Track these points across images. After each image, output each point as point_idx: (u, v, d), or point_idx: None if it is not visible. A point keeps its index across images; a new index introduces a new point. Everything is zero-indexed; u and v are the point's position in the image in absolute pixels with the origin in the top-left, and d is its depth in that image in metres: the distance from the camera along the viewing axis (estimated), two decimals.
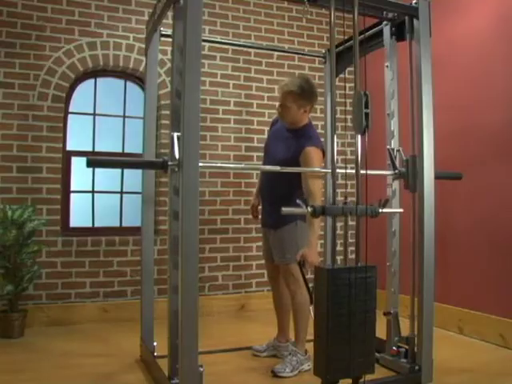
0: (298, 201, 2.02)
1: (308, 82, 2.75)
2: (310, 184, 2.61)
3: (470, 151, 3.42)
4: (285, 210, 2.05)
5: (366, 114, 1.91)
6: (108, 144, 4.00)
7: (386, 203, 2.04)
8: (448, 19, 3.58)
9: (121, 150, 4.04)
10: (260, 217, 3.01)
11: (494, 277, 3.23)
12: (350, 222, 2.01)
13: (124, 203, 4.04)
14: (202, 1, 2.08)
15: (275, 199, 2.77)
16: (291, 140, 2.75)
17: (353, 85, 2.07)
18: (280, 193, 2.77)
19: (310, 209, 1.97)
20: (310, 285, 2.39)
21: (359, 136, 2.01)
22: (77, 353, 2.97)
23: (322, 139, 3.32)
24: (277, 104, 2.81)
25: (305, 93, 2.69)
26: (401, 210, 2.67)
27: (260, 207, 3.02)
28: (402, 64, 2.74)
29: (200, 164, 2.05)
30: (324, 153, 2.81)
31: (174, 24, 2.26)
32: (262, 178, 3.01)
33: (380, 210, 1.99)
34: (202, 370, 2.03)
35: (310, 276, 2.93)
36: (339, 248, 2.16)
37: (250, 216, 3.16)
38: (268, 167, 2.83)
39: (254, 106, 4.29)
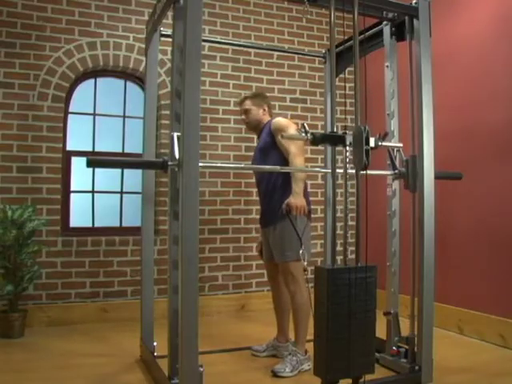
0: (294, 131, 2.07)
1: (257, 90, 3.30)
2: (291, 146, 2.72)
3: (470, 151, 3.42)
4: (285, 135, 2.32)
5: (367, 151, 1.90)
6: (108, 144, 4.00)
7: (385, 136, 2.04)
8: (448, 19, 3.58)
9: (121, 150, 4.04)
10: (259, 217, 3.03)
11: (494, 277, 3.22)
12: (350, 222, 2.01)
13: (124, 203, 4.04)
14: (202, 1, 2.08)
15: (268, 196, 2.85)
16: (262, 136, 2.94)
17: (353, 85, 2.07)
18: (273, 189, 2.82)
19: (309, 135, 1.98)
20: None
21: None
22: (77, 353, 2.97)
23: None
24: (241, 117, 3.08)
25: (257, 95, 3.11)
26: (400, 145, 2.65)
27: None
28: (402, 64, 2.74)
29: (200, 164, 2.05)
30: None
31: (174, 24, 2.26)
32: (256, 183, 3.04)
33: (380, 143, 1.99)
34: (202, 370, 2.03)
35: (309, 276, 2.95)
36: (339, 248, 2.16)
37: (250, 216, 3.17)
38: (269, 167, 2.85)
39: None
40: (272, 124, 2.86)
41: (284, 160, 2.76)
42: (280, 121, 2.86)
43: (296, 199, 2.64)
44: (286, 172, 2.75)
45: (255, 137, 4.20)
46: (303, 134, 1.98)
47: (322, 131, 3.55)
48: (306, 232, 2.74)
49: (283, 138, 2.63)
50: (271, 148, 2.83)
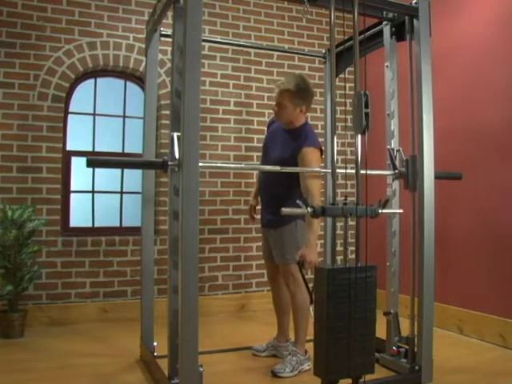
0: (298, 201, 2.02)
1: (305, 81, 2.74)
2: (308, 184, 2.60)
3: (470, 151, 3.42)
4: (285, 210, 2.05)
5: (366, 114, 1.91)
6: (108, 144, 4.00)
7: (386, 204, 2.04)
8: (448, 19, 3.58)
9: (121, 150, 4.04)
10: (259, 217, 3.01)
11: (493, 277, 3.22)
12: (350, 222, 2.01)
13: (124, 203, 4.04)
14: (202, 1, 2.08)
15: (274, 199, 2.78)
16: (289, 141, 2.74)
17: (353, 85, 2.07)
18: (279, 193, 2.77)
19: (309, 209, 1.97)
20: (310, 285, 2.39)
21: (359, 136, 2.01)
22: (77, 353, 2.96)
23: (322, 139, 3.33)
24: (273, 103, 2.80)
25: (301, 92, 2.68)
26: (400, 211, 2.67)
27: (259, 207, 3.02)
28: (402, 64, 2.74)
29: (200, 164, 2.05)
30: (322, 152, 2.79)
31: (174, 24, 2.26)
32: (260, 178, 3.01)
33: (380, 211, 1.99)
34: (202, 370, 2.03)
35: (309, 276, 2.94)
36: (339, 248, 2.16)
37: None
38: (268, 167, 2.82)
39: (254, 106, 4.29)
40: (300, 155, 2.62)
41: (298, 180, 2.64)
42: (309, 158, 2.61)
43: (310, 252, 2.54)
44: (294, 176, 2.66)
45: (255, 137, 4.24)
46: (304, 208, 1.99)
47: (323, 131, 3.55)
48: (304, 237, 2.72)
49: (282, 170, 2.51)
50: (291, 163, 2.63)
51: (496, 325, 3.15)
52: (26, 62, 3.61)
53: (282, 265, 2.78)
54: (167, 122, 3.63)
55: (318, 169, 2.73)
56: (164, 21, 2.72)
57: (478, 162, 3.34)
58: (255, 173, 4.14)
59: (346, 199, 2.00)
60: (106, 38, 3.85)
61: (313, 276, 1.97)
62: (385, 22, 2.79)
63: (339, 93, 2.61)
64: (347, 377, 1.90)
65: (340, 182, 2.30)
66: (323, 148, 2.84)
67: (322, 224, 3.24)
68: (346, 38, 2.60)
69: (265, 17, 4.39)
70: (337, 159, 2.12)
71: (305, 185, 2.60)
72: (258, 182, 3.08)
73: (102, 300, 3.74)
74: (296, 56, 4.42)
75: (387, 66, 2.82)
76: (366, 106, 1.91)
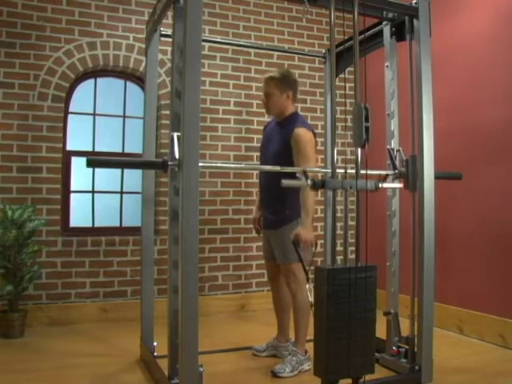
0: (297, 174, 2.03)
1: (288, 70, 2.96)
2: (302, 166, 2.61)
3: (470, 151, 3.41)
4: (285, 181, 2.09)
5: (366, 128, 1.90)
6: (108, 144, 4.00)
7: (385, 178, 2.04)
8: (448, 19, 3.58)
9: (121, 150, 4.04)
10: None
11: (493, 277, 3.22)
12: (350, 222, 2.01)
13: (124, 203, 4.04)
14: (202, 1, 2.08)
15: (274, 199, 2.80)
16: (282, 130, 2.80)
17: (353, 85, 2.07)
18: (278, 192, 2.76)
19: (309, 182, 1.98)
20: (309, 279, 2.38)
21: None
22: (77, 353, 2.96)
23: (322, 139, 3.34)
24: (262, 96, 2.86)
25: (285, 78, 2.80)
26: (400, 185, 2.63)
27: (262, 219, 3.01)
28: (402, 64, 2.74)
29: (200, 164, 2.05)
30: (315, 135, 2.80)
31: (174, 24, 2.26)
32: (260, 181, 3.02)
33: (380, 185, 1.99)
34: (201, 370, 2.03)
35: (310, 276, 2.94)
36: (339, 248, 2.16)
37: (250, 216, 3.16)
38: (268, 167, 2.82)
39: (254, 106, 4.29)
40: (293, 136, 2.67)
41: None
42: (301, 137, 2.65)
43: (305, 232, 2.57)
44: (292, 176, 2.67)
45: (255, 137, 4.24)
46: (303, 180, 1.99)
47: (323, 131, 3.55)
48: (311, 259, 2.70)
49: (283, 186, 2.52)
50: (286, 158, 2.67)
51: (496, 325, 3.15)
52: (25, 62, 3.61)
53: (283, 264, 2.78)
54: (167, 122, 3.64)
55: (317, 169, 2.73)
56: (164, 21, 2.72)
57: (478, 162, 3.34)
58: (255, 172, 4.15)
59: (346, 172, 2.01)
60: (106, 37, 3.85)
61: (313, 276, 1.96)
62: (385, 22, 2.79)
63: (339, 93, 2.61)
64: (347, 377, 1.90)
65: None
66: (315, 132, 2.83)
67: (322, 224, 3.24)
68: (346, 38, 2.60)
69: (265, 17, 4.39)
70: (337, 159, 2.12)
71: (303, 193, 2.61)
72: (259, 189, 3.05)
73: (102, 300, 3.74)
74: (296, 56, 4.42)
75: (387, 66, 2.82)
76: (367, 120, 1.91)
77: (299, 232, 2.58)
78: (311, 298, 2.18)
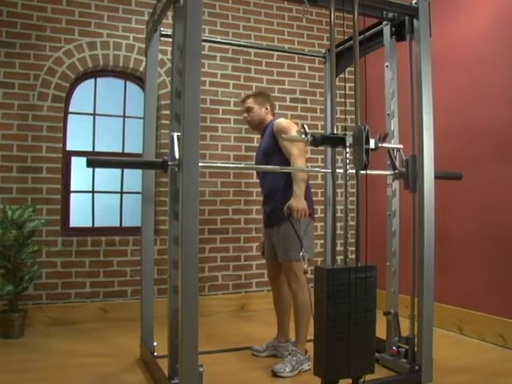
0: (295, 132, 2.06)
1: (261, 90, 3.40)
2: (292, 148, 2.72)
3: (470, 151, 3.41)
4: (285, 136, 2.39)
5: (367, 150, 1.90)
6: (108, 144, 4.00)
7: (385, 137, 2.03)
8: (448, 19, 3.58)
9: (121, 150, 4.04)
10: (262, 220, 3.03)
11: (493, 277, 3.22)
12: (350, 222, 2.01)
13: (124, 203, 4.04)
14: (202, 1, 2.08)
15: (273, 197, 2.83)
16: (265, 133, 2.95)
17: (353, 85, 2.07)
18: (277, 190, 2.82)
19: (309, 137, 1.97)
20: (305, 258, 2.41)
21: None
22: (77, 353, 2.96)
23: None
24: (243, 116, 3.06)
25: (259, 94, 3.09)
26: (401, 146, 2.64)
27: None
28: (402, 64, 2.74)
29: (200, 164, 2.05)
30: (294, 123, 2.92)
31: (174, 24, 2.26)
32: (260, 183, 3.05)
33: (380, 145, 1.99)
34: (202, 370, 2.03)
35: (309, 276, 2.94)
36: (339, 248, 2.15)
37: (250, 216, 3.17)
38: (269, 167, 2.85)
39: None
40: (274, 126, 2.84)
41: (287, 162, 2.75)
42: (281, 122, 2.83)
43: (297, 202, 2.63)
44: (288, 173, 2.75)
45: (255, 137, 4.24)
46: (303, 136, 1.97)
47: (323, 131, 3.56)
48: (308, 232, 2.75)
49: (284, 140, 2.64)
50: (274, 150, 2.82)
51: (496, 325, 3.15)
52: (26, 62, 3.61)
53: (284, 262, 2.79)
54: (167, 122, 3.64)
55: (317, 169, 2.75)
56: (164, 21, 2.72)
57: (478, 162, 3.34)
58: (255, 172, 4.15)
59: (345, 129, 2.01)
60: (106, 38, 3.85)
61: (313, 276, 1.96)
62: (385, 22, 2.79)
63: (339, 93, 2.61)
64: (347, 377, 1.90)
65: (340, 182, 2.29)
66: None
67: (322, 224, 3.24)
68: (346, 38, 2.61)
69: (265, 17, 4.40)
70: (337, 159, 2.12)
71: (292, 162, 2.71)
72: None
73: (102, 300, 3.74)
74: (296, 56, 4.42)
75: (387, 66, 2.82)
76: (367, 142, 1.90)
77: (291, 203, 2.64)
78: (305, 265, 2.26)
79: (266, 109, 3.00)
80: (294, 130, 2.75)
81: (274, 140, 2.83)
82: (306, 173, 2.80)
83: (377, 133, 2.02)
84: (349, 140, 1.99)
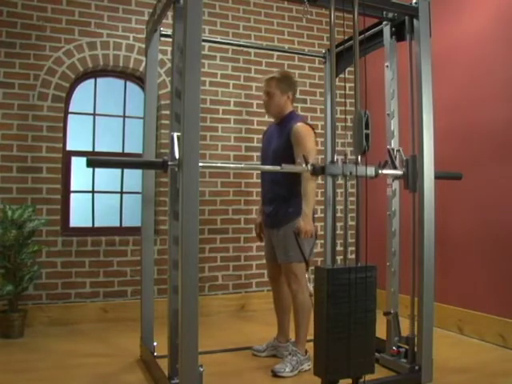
0: (298, 160, 2.04)
1: (288, 72, 3.19)
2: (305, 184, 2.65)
3: (470, 151, 3.42)
4: (285, 166, 2.19)
5: (367, 135, 1.91)
6: (108, 144, 4.00)
7: (385, 164, 2.05)
8: (448, 19, 3.58)
9: (121, 150, 4.04)
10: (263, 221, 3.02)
11: (493, 277, 3.22)
12: (350, 222, 2.01)
13: (124, 203, 4.04)
14: (202, 1, 2.08)
15: (275, 198, 2.81)
16: (281, 128, 2.84)
17: (353, 85, 2.07)
18: (279, 191, 2.79)
19: (309, 167, 1.98)
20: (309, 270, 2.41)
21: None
22: (77, 353, 2.96)
23: (322, 139, 3.34)
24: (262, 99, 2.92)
25: (285, 78, 2.89)
26: (400, 173, 2.63)
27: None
28: (402, 64, 2.74)
29: (200, 164, 2.05)
30: (313, 129, 2.83)
31: (174, 24, 2.27)
32: (261, 181, 3.02)
33: (380, 172, 2.00)
34: (202, 370, 2.03)
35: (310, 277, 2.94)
36: (339, 248, 2.16)
37: (250, 216, 3.16)
38: (269, 167, 2.84)
39: (254, 106, 4.29)
40: (292, 130, 2.72)
41: (298, 176, 2.67)
42: (300, 131, 2.70)
43: (305, 222, 2.63)
44: (293, 174, 2.68)
45: (255, 137, 4.24)
46: (303, 165, 1.99)
47: (323, 131, 3.55)
48: (311, 250, 2.77)
49: (282, 170, 2.44)
50: (285, 154, 2.69)
51: (496, 325, 3.15)
52: (26, 62, 3.61)
53: (284, 263, 2.78)
54: (167, 122, 3.64)
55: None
56: (164, 21, 2.72)
57: (478, 162, 3.34)
58: (255, 172, 4.15)
59: (345, 157, 2.01)
60: (106, 38, 3.85)
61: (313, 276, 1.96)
62: (385, 22, 2.79)
63: (339, 93, 2.62)
64: (347, 377, 1.91)
65: (340, 182, 2.29)
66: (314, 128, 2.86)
67: (322, 224, 3.24)
68: (346, 38, 2.61)
69: (265, 17, 4.39)
70: (337, 159, 2.12)
71: (303, 182, 2.64)
72: (261, 192, 3.05)
73: (102, 300, 3.74)
74: (296, 56, 4.42)
75: (387, 66, 2.82)
76: (367, 127, 1.91)
77: (300, 224, 2.63)
78: (311, 288, 2.22)
79: (288, 97, 2.85)
80: (310, 141, 2.70)
81: (288, 145, 2.72)
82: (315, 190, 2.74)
83: (377, 133, 2.02)
84: (348, 169, 2.01)
